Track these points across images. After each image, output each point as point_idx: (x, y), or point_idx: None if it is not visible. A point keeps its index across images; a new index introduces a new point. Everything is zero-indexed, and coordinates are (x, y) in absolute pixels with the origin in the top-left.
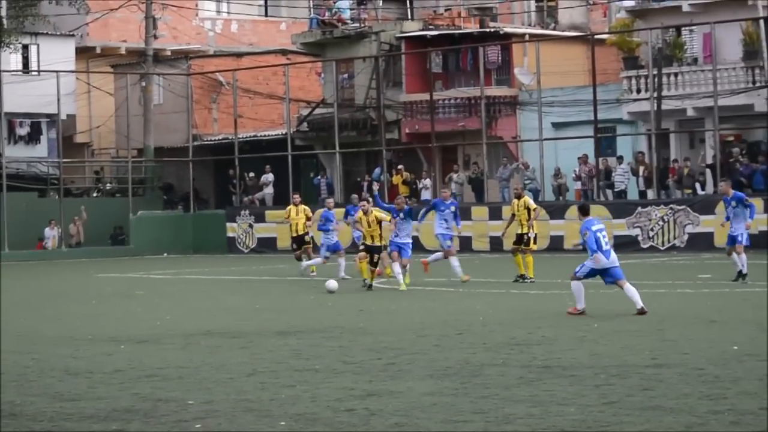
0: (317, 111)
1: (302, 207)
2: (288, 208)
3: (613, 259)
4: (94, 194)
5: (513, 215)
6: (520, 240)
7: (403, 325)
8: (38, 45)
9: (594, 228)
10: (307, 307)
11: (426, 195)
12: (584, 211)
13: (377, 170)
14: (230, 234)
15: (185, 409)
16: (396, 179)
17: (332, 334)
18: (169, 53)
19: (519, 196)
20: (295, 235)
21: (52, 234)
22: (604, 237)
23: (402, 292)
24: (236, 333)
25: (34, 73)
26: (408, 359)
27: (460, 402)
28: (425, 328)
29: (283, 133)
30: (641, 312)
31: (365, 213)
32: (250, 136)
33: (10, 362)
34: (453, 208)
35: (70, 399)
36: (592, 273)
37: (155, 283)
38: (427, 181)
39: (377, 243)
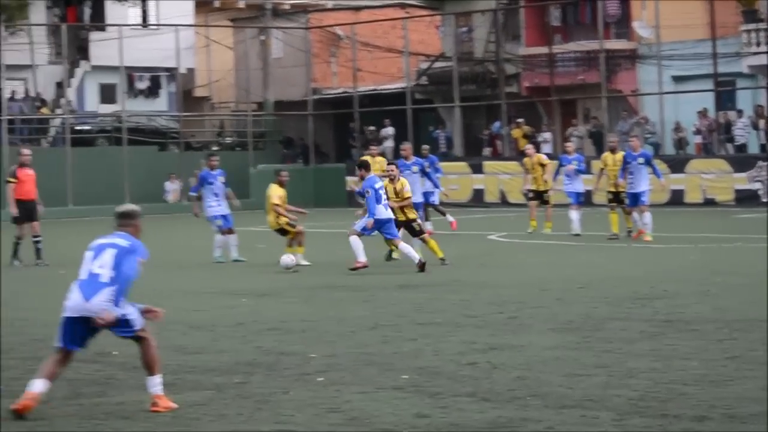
0: (436, 64)
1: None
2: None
3: (390, 214)
4: (214, 148)
5: (602, 170)
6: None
7: (524, 279)
8: None
9: (376, 186)
10: (428, 262)
11: (546, 149)
12: (366, 168)
13: (497, 124)
14: (350, 187)
15: (308, 363)
16: (516, 133)
17: (453, 288)
18: (287, 7)
19: (613, 150)
20: None
21: (172, 188)
22: (383, 193)
23: (528, 247)
24: (358, 287)
25: (153, 27)
26: (530, 313)
27: (582, 356)
28: (546, 282)
29: (402, 86)
30: (421, 266)
31: (392, 180)
32: (369, 90)
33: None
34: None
35: (193, 352)
36: (366, 230)
37: (276, 237)
38: (547, 135)
39: (411, 216)
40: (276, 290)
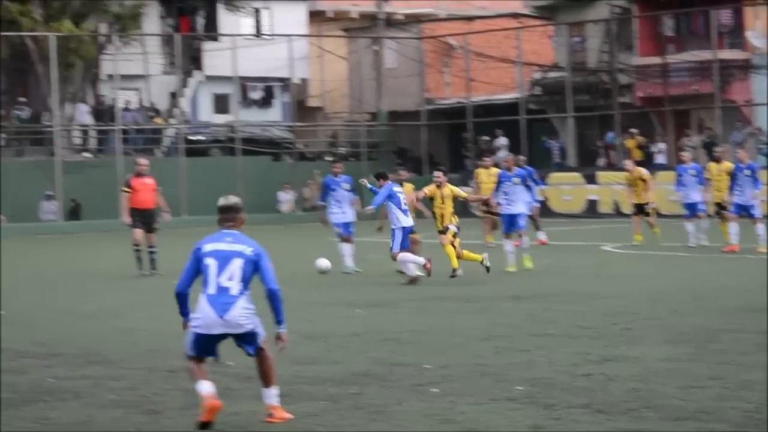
0: (550, 75)
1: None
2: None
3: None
4: (327, 158)
5: (707, 179)
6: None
7: (638, 289)
8: (270, 9)
9: (395, 190)
10: (541, 271)
11: (660, 159)
12: (384, 177)
13: (610, 134)
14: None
15: (421, 373)
16: (629, 143)
17: (566, 299)
18: (401, 17)
19: (718, 160)
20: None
21: (286, 198)
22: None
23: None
24: (471, 297)
25: (266, 37)
26: (644, 324)
27: (696, 368)
28: (660, 293)
29: (516, 97)
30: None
31: (439, 186)
32: (482, 100)
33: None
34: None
35: (308, 362)
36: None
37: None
38: (662, 145)
39: (446, 223)
40: (390, 301)
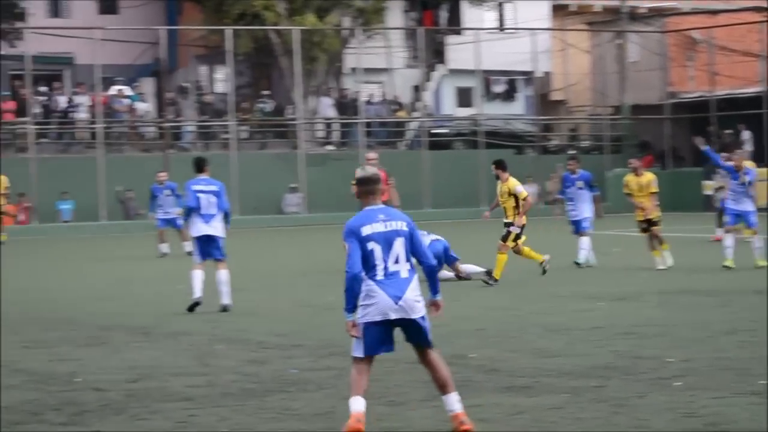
0: None
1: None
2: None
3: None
4: (570, 152)
5: None
6: None
7: None
8: (514, 2)
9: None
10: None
11: None
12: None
13: None
14: (706, 192)
15: (664, 367)
16: None
17: None
18: (644, 11)
19: None
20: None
21: (529, 190)
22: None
23: None
24: (714, 291)
25: (509, 30)
26: None
27: None
28: None
29: (759, 90)
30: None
31: (503, 180)
32: (725, 94)
33: (491, 318)
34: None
35: (550, 355)
36: None
37: (631, 241)
38: None
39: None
40: (632, 294)
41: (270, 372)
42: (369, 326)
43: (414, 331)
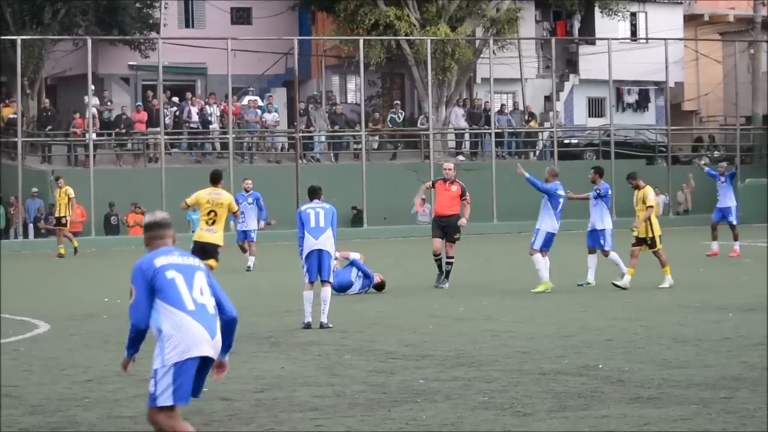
0: None
1: None
2: None
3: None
4: (702, 162)
5: None
6: None
7: None
8: (646, 13)
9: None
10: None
11: None
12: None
13: None
14: None
15: None
16: None
17: None
18: None
19: None
20: None
21: (659, 201)
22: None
23: None
24: None
25: (642, 40)
26: None
27: None
28: None
29: None
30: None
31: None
32: None
33: (619, 329)
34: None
35: (678, 366)
36: None
37: (760, 252)
38: None
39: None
40: (761, 305)
41: (397, 382)
42: (179, 367)
43: (204, 373)
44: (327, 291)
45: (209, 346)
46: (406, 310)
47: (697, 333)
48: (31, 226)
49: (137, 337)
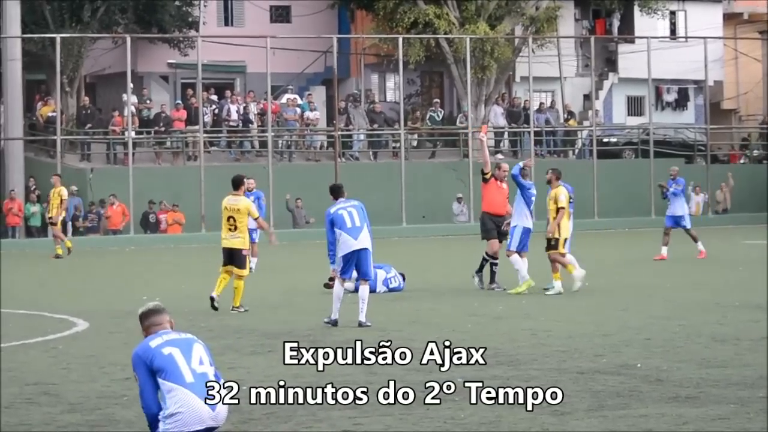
0: None
1: None
2: None
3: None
4: (741, 161)
5: None
6: None
7: None
8: (685, 11)
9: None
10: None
11: None
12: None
13: None
14: None
15: None
16: None
17: None
18: None
19: None
20: None
21: (696, 200)
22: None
23: None
24: None
25: (681, 39)
26: None
27: None
28: None
29: None
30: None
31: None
32: None
33: (658, 327)
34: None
35: (717, 365)
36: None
37: None
38: None
39: None
40: None
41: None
42: None
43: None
44: (365, 289)
45: (209, 418)
46: (445, 308)
47: (736, 332)
48: (69, 224)
49: (153, 423)
